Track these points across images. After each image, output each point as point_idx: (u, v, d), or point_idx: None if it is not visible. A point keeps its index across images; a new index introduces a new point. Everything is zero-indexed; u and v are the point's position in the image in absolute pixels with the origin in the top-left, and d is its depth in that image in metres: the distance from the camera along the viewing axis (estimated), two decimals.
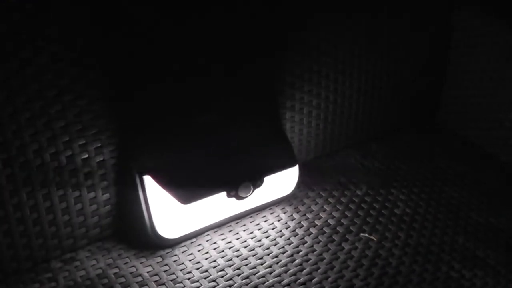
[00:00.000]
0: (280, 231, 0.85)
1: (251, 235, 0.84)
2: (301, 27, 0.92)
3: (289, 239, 0.84)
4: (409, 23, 1.06)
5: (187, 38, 0.79)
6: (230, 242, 0.82)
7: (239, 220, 0.87)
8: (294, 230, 0.85)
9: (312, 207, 0.90)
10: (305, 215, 0.89)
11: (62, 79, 0.72)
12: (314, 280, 0.77)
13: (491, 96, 1.07)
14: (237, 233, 0.84)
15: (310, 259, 0.80)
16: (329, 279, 0.77)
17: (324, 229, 0.86)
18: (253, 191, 0.82)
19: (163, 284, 0.75)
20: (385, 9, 1.02)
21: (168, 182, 0.77)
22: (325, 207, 0.91)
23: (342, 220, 0.88)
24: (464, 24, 1.09)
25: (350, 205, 0.92)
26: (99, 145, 0.77)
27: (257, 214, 0.88)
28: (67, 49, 0.71)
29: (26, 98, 0.70)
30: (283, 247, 0.82)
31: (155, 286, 0.74)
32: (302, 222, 0.87)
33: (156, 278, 0.76)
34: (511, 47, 1.02)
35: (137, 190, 0.77)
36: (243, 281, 0.76)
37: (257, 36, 0.87)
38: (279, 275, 0.77)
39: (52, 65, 0.71)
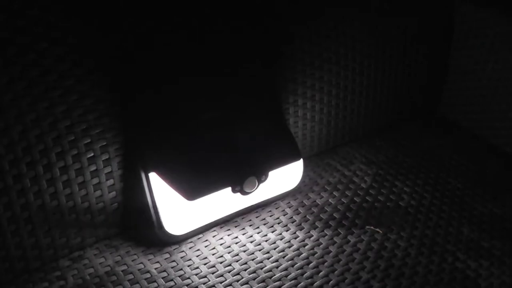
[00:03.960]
0: (286, 225, 0.86)
1: (257, 230, 0.84)
2: (303, 24, 0.93)
3: (295, 233, 0.84)
4: (410, 17, 1.06)
5: (189, 36, 0.80)
6: (236, 237, 0.83)
7: (245, 215, 0.87)
8: (300, 224, 0.86)
9: (317, 201, 0.91)
10: (310, 209, 0.89)
11: (67, 80, 0.72)
12: (320, 274, 0.78)
13: (494, 88, 1.07)
14: (243, 228, 0.85)
15: (316, 252, 0.81)
16: (336, 272, 0.78)
17: (329, 222, 0.87)
18: (258, 186, 0.82)
19: (171, 280, 0.76)
20: (387, 3, 1.02)
21: (174, 178, 0.77)
22: (330, 200, 0.91)
23: (347, 213, 0.89)
24: (466, 16, 1.09)
25: (355, 198, 0.92)
26: (105, 143, 0.77)
27: (263, 209, 0.89)
28: (71, 51, 0.72)
29: (32, 99, 0.70)
30: (289, 241, 0.83)
31: (163, 282, 0.75)
32: (307, 216, 0.88)
33: (164, 274, 0.76)
34: None
35: (143, 188, 0.78)
36: (250, 275, 0.77)
37: (260, 32, 0.87)
38: (285, 269, 0.78)
39: (57, 66, 0.71)
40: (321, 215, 0.88)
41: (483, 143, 1.10)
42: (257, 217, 0.87)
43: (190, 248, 0.81)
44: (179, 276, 0.76)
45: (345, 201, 0.91)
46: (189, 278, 0.76)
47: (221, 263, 0.78)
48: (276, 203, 0.90)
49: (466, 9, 1.09)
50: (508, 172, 1.03)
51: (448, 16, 1.11)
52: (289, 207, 0.89)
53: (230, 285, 0.75)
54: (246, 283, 0.76)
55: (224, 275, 0.77)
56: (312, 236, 0.84)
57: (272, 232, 0.84)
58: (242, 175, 0.81)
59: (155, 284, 0.75)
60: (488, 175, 1.02)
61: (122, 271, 0.77)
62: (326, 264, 0.79)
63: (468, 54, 1.10)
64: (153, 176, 0.78)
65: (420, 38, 1.10)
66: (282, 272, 0.77)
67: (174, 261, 0.79)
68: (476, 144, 1.11)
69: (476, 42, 1.08)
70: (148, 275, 0.76)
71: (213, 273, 0.77)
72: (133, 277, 0.76)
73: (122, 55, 0.76)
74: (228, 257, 0.79)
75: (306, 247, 0.82)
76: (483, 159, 1.06)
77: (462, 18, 1.10)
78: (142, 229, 0.81)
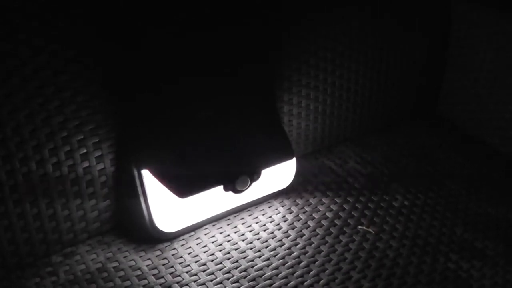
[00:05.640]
0: (278, 224, 0.86)
1: (249, 228, 0.85)
2: (299, 22, 0.92)
3: (287, 232, 0.84)
4: (408, 16, 1.06)
5: (185, 34, 0.80)
6: (228, 235, 0.83)
7: (237, 214, 0.87)
8: (292, 223, 0.86)
9: (310, 200, 0.91)
10: (303, 208, 0.89)
11: (61, 76, 0.72)
12: (311, 273, 0.78)
13: (491, 88, 1.07)
14: (235, 227, 0.85)
15: (307, 251, 0.81)
16: (327, 272, 0.78)
17: (322, 222, 0.87)
18: (250, 184, 0.82)
19: (162, 277, 0.76)
20: (384, 2, 1.02)
21: (166, 176, 0.77)
22: (323, 200, 0.91)
23: (340, 213, 0.89)
24: (464, 17, 1.09)
25: (348, 198, 0.92)
26: (97, 140, 0.77)
27: (255, 208, 0.89)
28: (66, 47, 0.72)
29: (26, 95, 0.70)
30: (280, 240, 0.83)
31: (154, 279, 0.75)
32: (300, 215, 0.88)
33: (155, 271, 0.77)
34: (510, 38, 1.02)
35: (135, 185, 0.78)
36: (241, 273, 0.77)
37: (255, 31, 0.87)
38: (276, 268, 0.78)
39: (51, 62, 0.71)
40: (313, 215, 0.88)
41: (480, 144, 1.10)
42: (249, 216, 0.87)
43: (181, 245, 0.81)
44: (170, 274, 0.76)
45: (338, 201, 0.91)
46: (179, 275, 0.76)
47: (212, 261, 0.79)
48: (269, 202, 0.90)
49: (464, 8, 1.09)
50: (504, 173, 1.03)
51: (446, 16, 1.10)
52: (282, 206, 0.89)
53: (221, 283, 0.75)
54: (237, 281, 0.76)
55: (215, 273, 0.77)
56: (304, 235, 0.84)
57: (264, 230, 0.84)
58: (234, 174, 0.81)
59: (146, 281, 0.75)
60: (484, 175, 1.02)
61: (113, 267, 0.77)
62: (317, 263, 0.79)
63: (466, 54, 1.10)
64: (146, 174, 0.78)
65: (417, 38, 1.09)
66: (273, 271, 0.78)
67: (165, 258, 0.79)
68: (472, 145, 1.10)
69: (473, 42, 1.08)
70: (139, 272, 0.76)
71: (204, 271, 0.77)
72: (124, 273, 0.76)
73: (117, 53, 0.76)
74: (219, 255, 0.80)
75: (298, 246, 0.82)
76: (478, 160, 1.06)
77: (460, 18, 1.09)
78: (134, 226, 0.81)
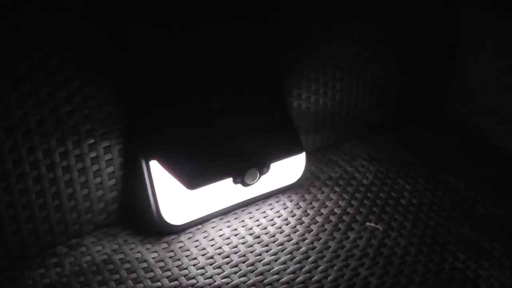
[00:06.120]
0: (286, 219, 0.85)
1: (257, 223, 0.84)
2: (308, 17, 0.92)
3: (295, 227, 0.84)
4: (414, 16, 1.06)
5: (194, 28, 0.79)
6: (236, 229, 0.82)
7: (245, 208, 0.87)
8: (300, 218, 0.85)
9: (318, 195, 0.90)
10: (311, 203, 0.89)
11: (69, 66, 0.72)
12: (319, 268, 0.77)
13: (497, 88, 1.07)
14: (243, 221, 0.84)
15: (315, 247, 0.80)
16: (335, 268, 0.77)
17: (330, 217, 0.86)
18: (259, 178, 0.82)
19: (169, 270, 0.75)
20: (392, 2, 1.02)
21: (175, 167, 0.77)
22: (331, 195, 0.91)
23: (348, 209, 0.88)
24: (469, 17, 1.09)
25: (356, 194, 0.91)
26: (105, 130, 0.76)
27: (263, 202, 0.88)
28: (75, 37, 0.71)
29: (33, 84, 0.70)
30: (288, 235, 0.82)
31: (161, 272, 0.75)
32: (308, 211, 0.87)
33: (162, 264, 0.76)
34: None
35: (143, 176, 0.77)
36: (248, 268, 0.76)
37: (265, 26, 0.86)
38: (284, 263, 0.77)
39: (59, 52, 0.70)
40: (321, 210, 0.87)
41: (486, 144, 1.10)
42: (257, 210, 0.87)
43: (188, 238, 0.80)
44: (177, 267, 0.76)
45: (346, 197, 0.91)
46: (186, 268, 0.75)
47: (219, 254, 0.78)
48: (277, 197, 0.89)
49: (471, 10, 1.08)
50: (510, 174, 1.02)
51: (453, 16, 1.10)
52: (290, 201, 0.89)
53: (228, 277, 0.75)
54: (244, 275, 0.75)
55: (222, 266, 0.76)
56: (312, 230, 0.83)
57: (272, 225, 0.84)
58: (244, 166, 0.80)
59: (152, 274, 0.74)
60: (490, 176, 1.01)
61: (119, 259, 0.76)
62: (325, 259, 0.79)
63: (472, 54, 1.10)
64: (154, 164, 0.77)
65: (424, 38, 1.09)
66: (281, 266, 0.77)
67: (172, 251, 0.78)
68: (479, 145, 1.10)
69: (477, 43, 1.08)
70: (145, 264, 0.75)
71: (211, 265, 0.76)
72: (130, 266, 0.75)
73: (125, 44, 0.76)
74: (226, 248, 0.79)
75: (306, 241, 0.81)
76: (485, 160, 1.06)
77: (467, 19, 1.09)
78: (141, 217, 0.81)
